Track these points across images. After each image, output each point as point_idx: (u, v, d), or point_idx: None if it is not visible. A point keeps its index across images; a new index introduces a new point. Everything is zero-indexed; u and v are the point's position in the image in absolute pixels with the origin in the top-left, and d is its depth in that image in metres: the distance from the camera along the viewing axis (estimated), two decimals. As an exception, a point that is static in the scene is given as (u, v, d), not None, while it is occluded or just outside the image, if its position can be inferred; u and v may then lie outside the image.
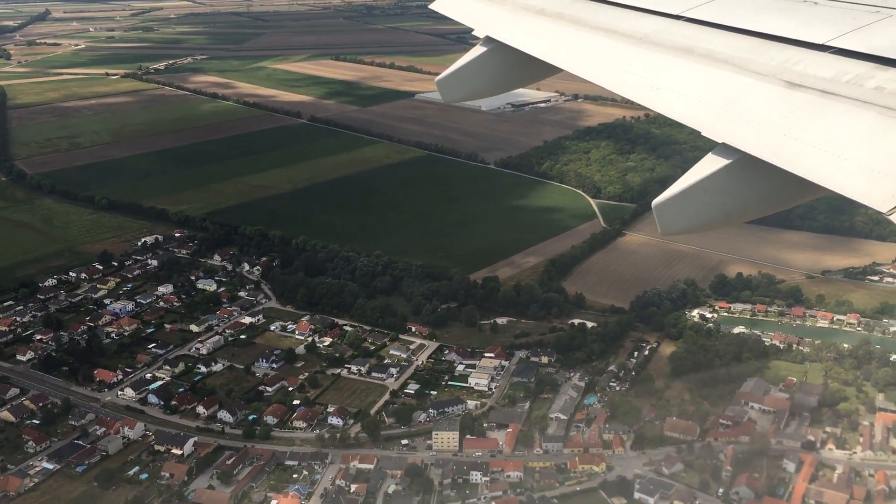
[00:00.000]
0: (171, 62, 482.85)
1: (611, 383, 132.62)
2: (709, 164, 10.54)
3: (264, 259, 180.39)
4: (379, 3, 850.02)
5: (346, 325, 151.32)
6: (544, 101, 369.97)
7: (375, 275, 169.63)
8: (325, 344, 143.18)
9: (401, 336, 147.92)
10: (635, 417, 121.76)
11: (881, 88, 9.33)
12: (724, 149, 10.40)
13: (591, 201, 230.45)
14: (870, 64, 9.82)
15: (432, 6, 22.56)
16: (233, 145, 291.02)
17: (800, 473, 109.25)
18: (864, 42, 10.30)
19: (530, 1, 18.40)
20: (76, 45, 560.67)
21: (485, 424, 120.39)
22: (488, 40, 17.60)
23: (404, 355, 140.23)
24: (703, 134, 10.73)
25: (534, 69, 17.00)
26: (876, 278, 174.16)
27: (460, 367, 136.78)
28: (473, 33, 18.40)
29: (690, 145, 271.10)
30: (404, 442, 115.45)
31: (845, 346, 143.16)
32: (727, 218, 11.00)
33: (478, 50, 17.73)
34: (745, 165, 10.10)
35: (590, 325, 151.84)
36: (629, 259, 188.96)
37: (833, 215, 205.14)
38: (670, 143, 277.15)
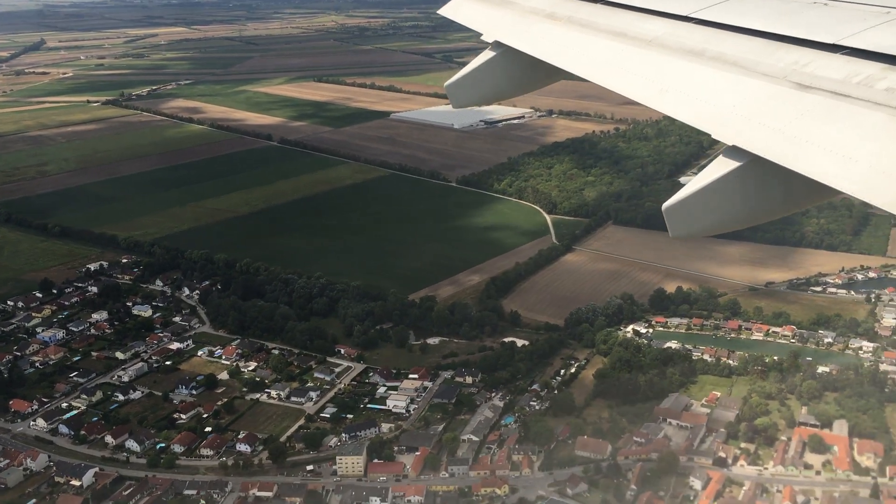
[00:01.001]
0: (154, 88, 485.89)
1: (531, 403, 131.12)
2: (719, 167, 10.43)
3: (206, 283, 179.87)
4: (372, 24, 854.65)
5: (275, 348, 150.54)
6: (518, 118, 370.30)
7: (312, 297, 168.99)
8: (250, 369, 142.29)
9: (328, 358, 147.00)
10: (548, 437, 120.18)
11: (892, 90, 9.23)
12: (735, 151, 10.30)
13: (547, 217, 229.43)
14: (880, 65, 9.70)
15: (440, 11, 22.73)
16: (199, 170, 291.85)
17: (705, 491, 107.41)
18: (874, 43, 10.18)
19: (539, 5, 18.42)
20: (64, 73, 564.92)
21: (395, 448, 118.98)
22: (497, 45, 17.56)
23: (328, 378, 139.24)
24: (713, 136, 10.68)
25: (543, 73, 17.05)
26: (819, 289, 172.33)
27: (381, 390, 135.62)
28: (482, 38, 18.38)
29: (654, 159, 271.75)
30: (309, 468, 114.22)
31: (776, 358, 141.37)
32: (737, 220, 10.89)
33: (487, 54, 17.71)
34: (755, 168, 10.06)
35: (520, 343, 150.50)
36: (574, 275, 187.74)
37: (783, 226, 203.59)
38: (633, 157, 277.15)
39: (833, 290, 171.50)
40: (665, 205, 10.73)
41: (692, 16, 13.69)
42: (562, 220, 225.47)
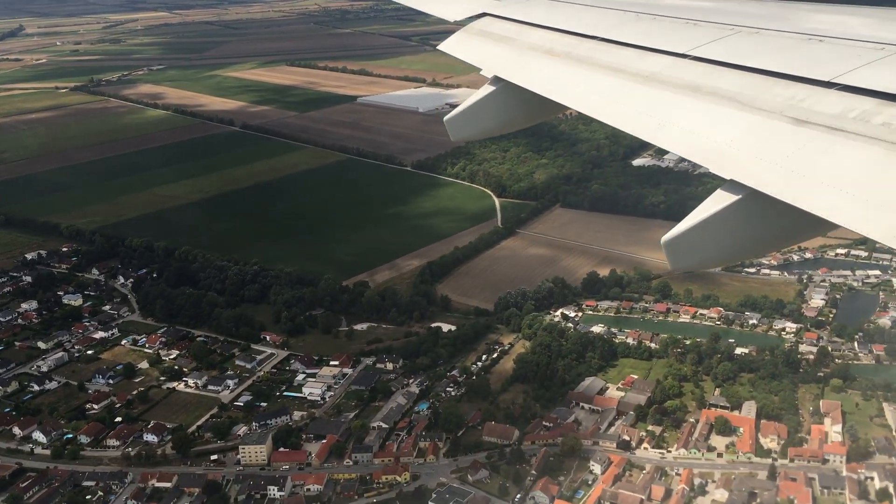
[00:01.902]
0: (124, 73, 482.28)
1: (447, 389, 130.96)
2: (717, 201, 10.52)
3: (143, 271, 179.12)
4: (354, 7, 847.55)
5: (200, 336, 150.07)
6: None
7: (245, 283, 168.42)
8: (171, 357, 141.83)
9: (253, 346, 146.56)
10: (457, 423, 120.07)
11: (888, 124, 9.36)
12: (732, 185, 10.39)
13: (496, 200, 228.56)
14: (876, 100, 9.84)
15: (440, 47, 22.75)
16: (156, 156, 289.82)
17: (604, 475, 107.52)
18: (869, 78, 10.34)
19: (537, 41, 18.50)
20: (38, 59, 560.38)
21: (303, 436, 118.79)
22: (496, 80, 17.70)
23: (248, 366, 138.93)
24: (710, 170, 10.75)
25: (542, 108, 17.33)
26: (753, 271, 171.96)
27: (300, 377, 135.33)
28: (482, 73, 18.50)
29: (611, 141, 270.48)
30: (213, 457, 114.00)
31: (699, 340, 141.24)
32: (736, 253, 11.10)
33: (486, 89, 17.88)
34: (753, 201, 10.13)
35: (447, 328, 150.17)
36: (513, 259, 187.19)
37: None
38: (590, 140, 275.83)
39: (767, 271, 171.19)
40: (664, 238, 10.74)
41: (689, 53, 13.76)
42: (511, 203, 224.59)
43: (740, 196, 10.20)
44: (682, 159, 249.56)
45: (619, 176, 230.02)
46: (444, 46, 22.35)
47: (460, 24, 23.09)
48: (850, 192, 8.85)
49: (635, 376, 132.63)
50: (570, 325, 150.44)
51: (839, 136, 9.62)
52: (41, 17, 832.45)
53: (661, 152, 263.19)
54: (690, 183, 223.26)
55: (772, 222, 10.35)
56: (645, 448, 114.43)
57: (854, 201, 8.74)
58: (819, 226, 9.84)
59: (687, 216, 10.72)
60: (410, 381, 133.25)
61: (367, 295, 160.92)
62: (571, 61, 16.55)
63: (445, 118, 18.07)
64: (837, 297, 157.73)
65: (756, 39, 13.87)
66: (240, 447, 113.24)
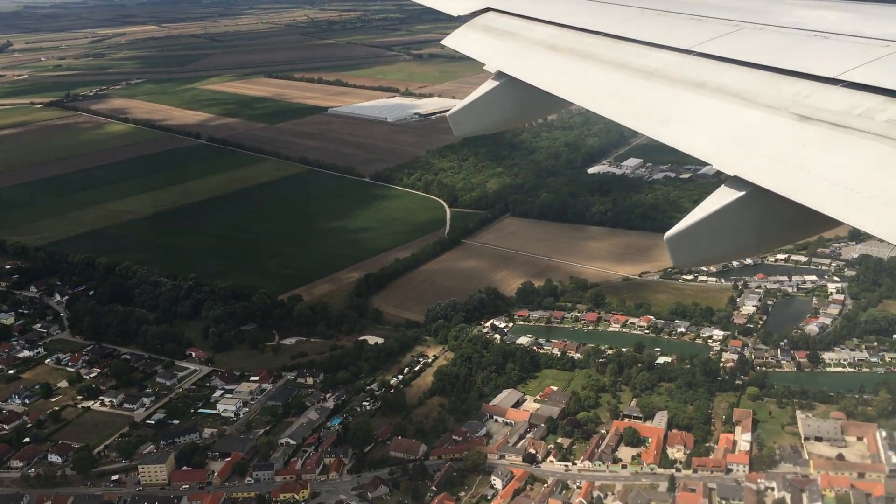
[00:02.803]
0: (102, 88, 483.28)
1: (363, 403, 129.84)
2: (720, 197, 10.47)
3: (81, 288, 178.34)
4: (342, 18, 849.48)
5: (126, 353, 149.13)
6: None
7: (178, 299, 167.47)
8: (92, 375, 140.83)
9: (178, 362, 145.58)
10: (366, 439, 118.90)
11: (892, 121, 9.36)
12: (736, 181, 10.38)
13: (448, 210, 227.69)
14: (881, 97, 9.84)
15: (444, 42, 22.81)
16: (118, 170, 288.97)
17: (504, 490, 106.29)
18: (875, 75, 10.32)
19: (541, 36, 18.47)
20: (19, 75, 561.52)
21: (209, 454, 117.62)
22: (500, 75, 17.66)
23: (168, 383, 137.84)
24: (714, 167, 10.73)
25: (545, 103, 17.30)
26: (690, 277, 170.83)
27: (218, 394, 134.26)
28: (485, 68, 18.45)
29: (570, 149, 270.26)
30: (114, 477, 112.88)
31: (624, 350, 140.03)
32: (739, 250, 10.98)
33: (489, 85, 17.82)
34: (756, 198, 10.12)
35: (375, 341, 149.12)
36: (454, 270, 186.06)
37: (670, 213, 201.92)
38: (549, 147, 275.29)
39: (704, 278, 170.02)
40: (667, 234, 10.75)
41: (693, 49, 13.77)
42: (462, 213, 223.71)
43: (744, 192, 10.15)
44: (639, 166, 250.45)
45: (570, 184, 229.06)
46: (449, 41, 22.47)
47: (464, 20, 23.14)
48: (854, 189, 8.83)
49: (555, 388, 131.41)
50: (498, 336, 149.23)
51: (844, 133, 9.59)
52: (31, 32, 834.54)
53: (620, 159, 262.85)
54: (641, 190, 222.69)
55: (775, 219, 10.32)
56: (551, 461, 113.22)
57: (858, 198, 8.72)
58: (823, 222, 9.84)
59: (690, 212, 10.63)
60: (327, 395, 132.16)
61: (298, 309, 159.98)
62: (575, 57, 16.52)
63: (448, 114, 17.94)
64: (770, 303, 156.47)
65: (761, 36, 13.81)
66: (139, 467, 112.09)
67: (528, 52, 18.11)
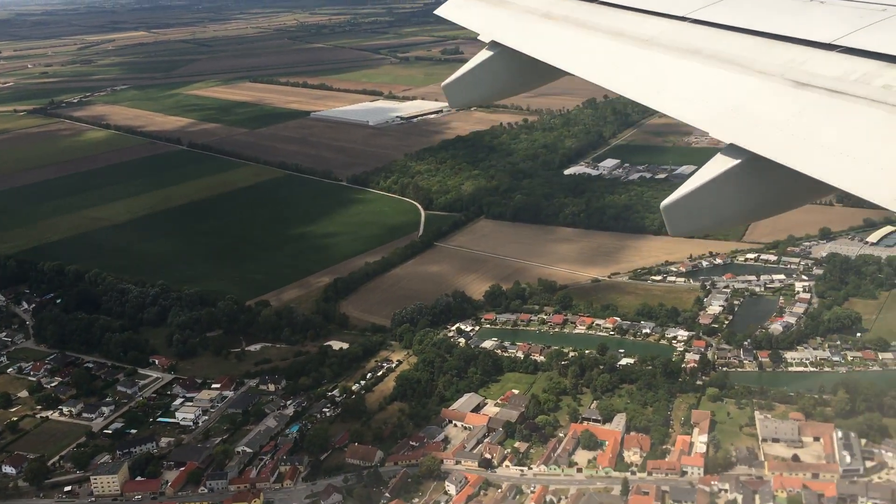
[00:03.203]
0: (86, 95, 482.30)
1: (323, 409, 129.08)
2: (717, 165, 10.43)
3: (50, 296, 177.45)
4: (332, 22, 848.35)
5: (90, 361, 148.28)
6: (436, 112, 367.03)
7: (145, 306, 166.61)
8: (54, 384, 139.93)
9: (140, 370, 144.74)
10: (323, 446, 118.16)
11: (889, 86, 9.32)
12: (732, 149, 10.31)
13: (423, 213, 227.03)
14: (877, 62, 9.79)
15: (437, 12, 22.72)
16: (97, 177, 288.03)
17: (458, 495, 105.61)
18: (871, 40, 10.27)
19: (535, 5, 18.32)
20: (5, 82, 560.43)
21: (164, 463, 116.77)
22: (494, 45, 17.41)
23: (129, 391, 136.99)
24: (710, 135, 10.68)
25: (540, 73, 17.05)
26: (659, 278, 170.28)
27: (178, 402, 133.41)
28: (479, 38, 18.20)
29: (548, 150, 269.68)
30: (67, 489, 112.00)
31: (588, 352, 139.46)
32: (735, 217, 10.98)
33: (484, 54, 17.52)
34: (752, 165, 10.11)
35: (339, 346, 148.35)
36: (426, 273, 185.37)
37: (643, 213, 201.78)
38: (527, 149, 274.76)
39: (673, 278, 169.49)
40: (663, 203, 10.64)
41: (689, 16, 13.70)
42: (437, 216, 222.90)
43: (740, 160, 10.12)
44: (616, 167, 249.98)
45: (545, 186, 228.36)
46: (441, 11, 22.18)
47: None
48: (850, 156, 8.79)
49: (516, 391, 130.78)
50: (463, 339, 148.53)
51: (840, 99, 9.53)
52: (19, 40, 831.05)
53: (598, 160, 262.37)
54: (616, 190, 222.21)
55: (772, 186, 10.31)
56: (507, 466, 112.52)
57: (854, 164, 8.67)
58: (819, 189, 9.89)
59: (687, 180, 10.59)
60: (288, 402, 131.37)
61: (264, 315, 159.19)
62: (570, 25, 16.31)
63: (443, 84, 17.63)
64: (736, 303, 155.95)
65: (755, 2, 13.76)
66: (91, 478, 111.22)
67: (523, 20, 17.91)
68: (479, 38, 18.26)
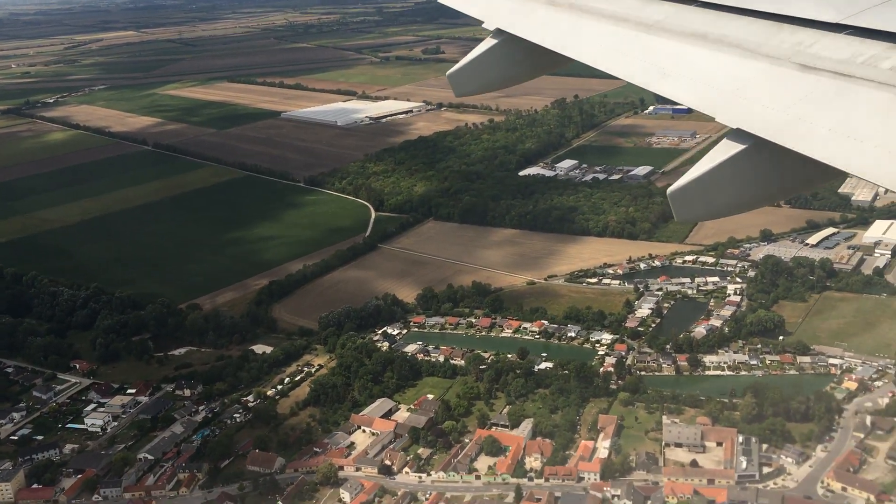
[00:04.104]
0: (63, 95, 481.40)
1: (234, 415, 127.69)
2: (723, 150, 10.33)
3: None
4: (321, 21, 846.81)
5: (10, 366, 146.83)
6: (406, 112, 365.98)
7: (75, 309, 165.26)
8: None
9: (61, 375, 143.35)
10: (225, 452, 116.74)
11: None
12: (738, 134, 10.25)
13: (373, 214, 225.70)
14: (885, 44, 9.69)
15: (440, 0, 22.67)
16: (56, 178, 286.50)
17: (352, 502, 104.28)
18: (878, 22, 10.15)
19: None
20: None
21: (63, 471, 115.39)
22: (498, 32, 17.39)
23: (45, 396, 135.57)
24: (716, 119, 10.59)
25: (545, 60, 17.01)
26: (594, 281, 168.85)
27: (90, 407, 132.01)
28: (483, 26, 18.17)
29: (507, 151, 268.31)
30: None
31: (510, 356, 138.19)
32: (742, 203, 10.81)
33: (488, 42, 17.48)
34: (759, 150, 10.04)
35: (263, 350, 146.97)
36: (363, 276, 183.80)
37: (588, 216, 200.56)
38: (487, 150, 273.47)
39: (608, 281, 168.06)
40: (669, 189, 10.52)
41: None
42: (387, 217, 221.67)
43: (746, 145, 10.06)
44: (574, 168, 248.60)
45: (494, 187, 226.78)
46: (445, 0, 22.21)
47: None
48: (858, 139, 8.70)
49: (430, 396, 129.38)
50: (388, 343, 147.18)
51: (847, 82, 9.45)
52: (8, 39, 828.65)
53: (558, 161, 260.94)
54: (565, 192, 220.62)
55: (779, 171, 10.22)
56: (406, 472, 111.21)
57: (862, 148, 8.58)
58: (826, 173, 9.75)
59: (693, 166, 10.48)
60: (200, 408, 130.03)
61: (191, 318, 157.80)
62: (574, 11, 16.30)
63: (448, 73, 17.47)
64: (666, 306, 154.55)
65: None
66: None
67: (527, 7, 17.91)
68: (483, 25, 18.25)
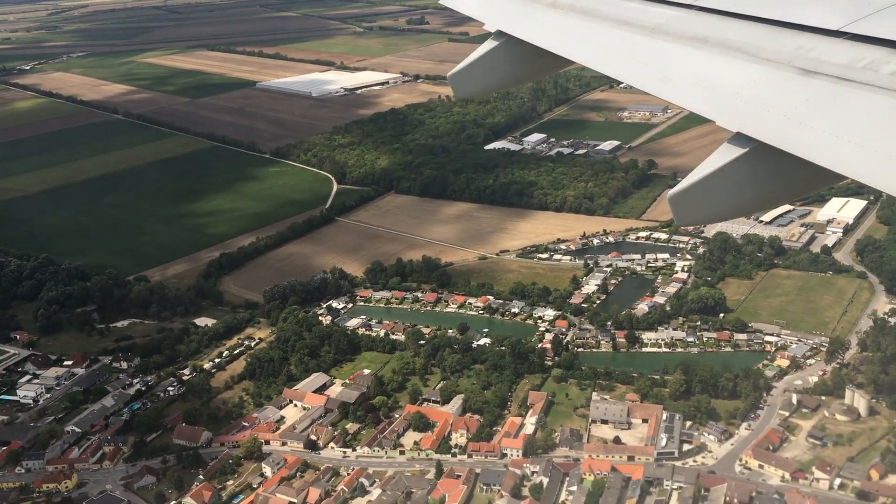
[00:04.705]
0: (41, 61, 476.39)
1: (168, 389, 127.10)
2: (723, 154, 10.29)
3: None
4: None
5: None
6: (382, 84, 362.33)
7: (21, 280, 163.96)
8: None
9: (1, 346, 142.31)
10: (152, 426, 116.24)
11: None
12: (739, 138, 10.23)
13: (335, 187, 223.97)
14: (885, 49, 9.74)
15: (442, 1, 22.34)
16: (22, 146, 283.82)
17: (272, 477, 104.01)
18: (878, 27, 10.20)
19: None
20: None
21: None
22: (499, 34, 17.32)
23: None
24: (717, 123, 10.54)
25: (546, 62, 16.94)
26: (545, 256, 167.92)
27: (24, 379, 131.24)
28: (484, 27, 18.06)
29: (476, 124, 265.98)
30: None
31: (450, 332, 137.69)
32: (743, 207, 10.84)
33: (489, 44, 17.41)
34: (760, 154, 10.01)
35: (206, 323, 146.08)
36: (316, 249, 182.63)
37: (548, 190, 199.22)
38: (456, 122, 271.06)
39: (559, 256, 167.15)
40: (670, 193, 10.54)
41: (695, 3, 13.71)
42: (350, 189, 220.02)
43: (747, 149, 10.03)
44: (541, 142, 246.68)
45: (457, 161, 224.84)
46: (447, 0, 21.87)
47: None
48: (858, 144, 8.69)
49: (367, 371, 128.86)
50: (330, 317, 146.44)
51: (848, 87, 9.46)
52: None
53: (526, 135, 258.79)
54: (527, 166, 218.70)
55: (779, 175, 10.21)
56: (332, 447, 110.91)
57: (862, 152, 8.57)
58: (827, 178, 9.83)
59: (694, 170, 10.43)
60: (135, 381, 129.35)
61: (136, 290, 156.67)
62: (575, 14, 16.36)
63: (448, 74, 17.44)
64: (614, 282, 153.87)
65: None
66: None
67: (528, 9, 17.98)
68: (484, 27, 18.19)
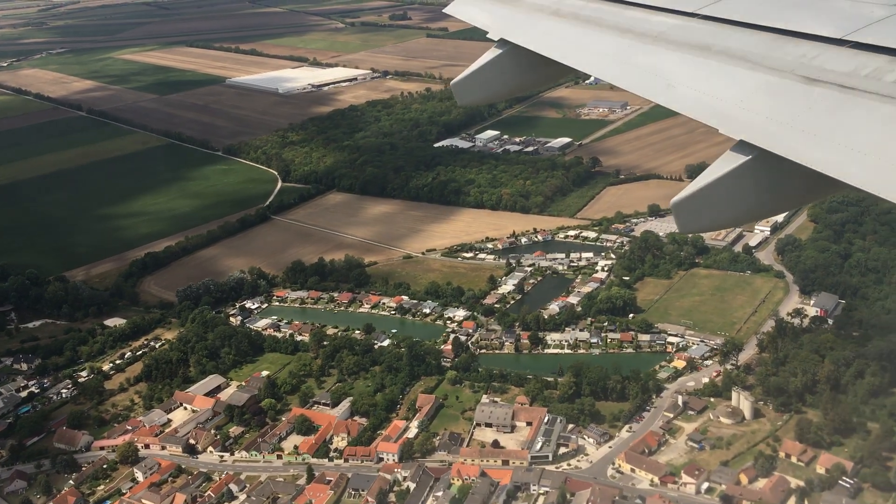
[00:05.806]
0: (19, 58, 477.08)
1: (62, 391, 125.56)
2: (726, 162, 10.18)
3: None
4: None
5: None
6: (350, 80, 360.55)
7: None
8: None
9: None
10: (34, 429, 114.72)
11: None
12: (742, 146, 10.10)
13: (279, 184, 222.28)
14: (888, 57, 9.64)
15: (446, 10, 22.32)
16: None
17: (143, 482, 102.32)
18: (882, 36, 10.15)
19: (543, 2, 18.42)
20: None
21: None
22: (503, 42, 17.37)
23: None
24: (720, 131, 10.41)
25: (549, 70, 16.96)
26: (469, 255, 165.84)
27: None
28: (488, 36, 18.07)
29: (431, 121, 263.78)
30: None
31: (357, 332, 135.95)
32: (746, 215, 10.69)
33: (492, 52, 17.45)
34: (762, 162, 9.92)
35: (116, 324, 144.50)
36: (245, 248, 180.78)
37: (485, 188, 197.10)
38: (410, 120, 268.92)
39: (483, 256, 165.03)
40: (673, 200, 10.34)
41: (698, 12, 13.71)
42: (294, 188, 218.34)
43: (750, 157, 10.01)
44: (493, 139, 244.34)
45: (401, 159, 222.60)
46: (450, 10, 21.91)
47: None
48: (861, 152, 8.64)
49: (266, 373, 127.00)
50: (240, 318, 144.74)
51: (850, 95, 9.45)
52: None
53: (481, 132, 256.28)
54: (469, 164, 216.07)
55: (782, 183, 10.17)
56: (210, 451, 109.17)
57: (866, 161, 8.53)
58: (829, 186, 9.80)
59: (696, 178, 10.38)
60: (31, 383, 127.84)
61: (51, 290, 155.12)
62: (578, 22, 16.38)
63: (452, 83, 17.39)
64: (532, 282, 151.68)
65: None
66: None
67: (531, 18, 17.94)
68: (488, 35, 18.11)
